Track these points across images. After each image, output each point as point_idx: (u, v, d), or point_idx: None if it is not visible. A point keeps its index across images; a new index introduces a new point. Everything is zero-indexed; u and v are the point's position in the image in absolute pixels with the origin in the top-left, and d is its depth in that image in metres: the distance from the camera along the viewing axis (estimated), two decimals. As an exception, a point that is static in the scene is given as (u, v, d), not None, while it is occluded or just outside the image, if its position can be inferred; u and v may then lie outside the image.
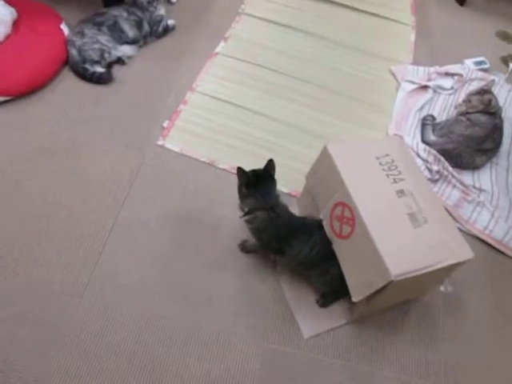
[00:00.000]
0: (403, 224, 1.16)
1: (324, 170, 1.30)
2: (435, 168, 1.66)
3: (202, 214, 1.51)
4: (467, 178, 1.70)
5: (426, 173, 1.66)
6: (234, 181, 1.58)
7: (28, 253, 1.36)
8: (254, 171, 1.27)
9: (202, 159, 1.65)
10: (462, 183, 1.66)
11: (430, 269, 1.12)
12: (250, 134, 1.76)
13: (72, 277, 1.33)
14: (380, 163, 1.26)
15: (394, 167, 1.25)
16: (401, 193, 1.21)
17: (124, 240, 1.42)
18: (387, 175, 1.23)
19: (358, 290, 1.20)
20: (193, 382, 1.21)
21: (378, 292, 1.14)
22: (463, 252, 1.17)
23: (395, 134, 1.79)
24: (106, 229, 1.44)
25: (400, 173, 1.24)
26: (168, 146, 1.67)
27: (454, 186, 1.66)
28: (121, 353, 1.22)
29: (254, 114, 1.82)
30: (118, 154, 1.62)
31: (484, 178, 1.72)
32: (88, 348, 1.22)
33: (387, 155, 1.27)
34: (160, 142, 1.68)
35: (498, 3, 2.60)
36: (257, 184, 1.25)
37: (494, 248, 1.57)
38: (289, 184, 1.60)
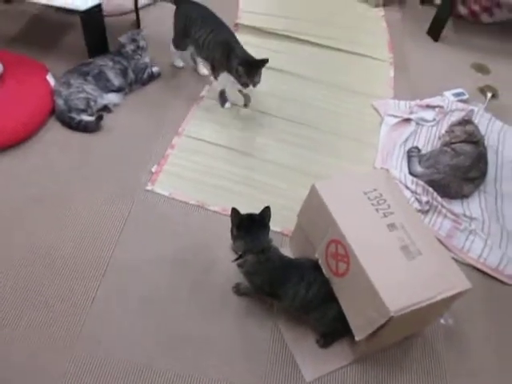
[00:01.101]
0: (397, 258, 1.16)
1: (314, 208, 1.30)
2: (424, 199, 1.68)
3: (194, 256, 1.50)
4: (457, 207, 1.72)
5: (416, 204, 1.68)
6: (225, 222, 1.58)
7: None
8: (248, 215, 1.27)
9: (192, 202, 1.65)
10: (452, 213, 1.68)
11: (429, 301, 1.11)
12: (239, 174, 1.77)
13: (63, 327, 1.29)
14: (368, 198, 1.27)
15: (382, 201, 1.27)
16: (392, 226, 1.22)
17: (116, 286, 1.40)
18: (377, 210, 1.24)
19: (359, 329, 1.18)
20: None
21: (380, 329, 1.12)
22: (461, 282, 1.17)
23: (382, 168, 1.81)
24: (98, 275, 1.42)
25: (389, 206, 1.26)
26: (157, 190, 1.68)
27: (445, 216, 1.67)
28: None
29: (241, 154, 1.84)
30: (106, 200, 1.62)
31: (473, 207, 1.74)
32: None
33: (375, 190, 1.29)
34: (149, 187, 1.68)
35: (469, 37, 2.71)
36: (248, 227, 1.24)
37: (489, 276, 1.56)
38: (279, 223, 1.60)
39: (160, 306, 1.37)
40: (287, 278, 1.25)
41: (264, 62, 1.75)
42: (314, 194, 1.29)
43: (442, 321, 1.41)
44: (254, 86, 1.77)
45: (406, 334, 1.37)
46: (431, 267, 1.16)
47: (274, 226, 1.56)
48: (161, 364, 1.26)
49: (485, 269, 1.57)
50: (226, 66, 1.82)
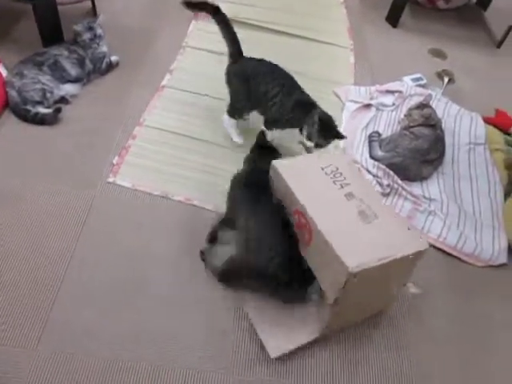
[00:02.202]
0: (355, 222, 1.22)
1: (277, 184, 1.35)
2: (385, 182, 1.73)
3: (159, 248, 1.49)
4: (417, 189, 1.78)
5: (377, 187, 1.73)
6: (189, 212, 1.60)
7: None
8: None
9: (156, 193, 1.64)
10: (412, 194, 1.73)
11: (388, 259, 1.15)
12: (202, 162, 1.78)
13: (24, 328, 1.26)
14: (325, 172, 1.34)
15: (338, 174, 1.34)
16: (349, 195, 1.29)
17: (79, 282, 1.38)
18: (334, 182, 1.32)
19: (329, 292, 1.22)
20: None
21: (345, 294, 1.17)
22: (419, 243, 1.21)
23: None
24: (60, 271, 1.39)
25: (345, 178, 1.33)
26: (119, 182, 1.66)
27: (406, 198, 1.73)
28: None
29: (203, 142, 1.85)
30: (67, 194, 1.59)
31: (432, 188, 1.80)
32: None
33: (331, 165, 1.36)
34: (111, 179, 1.66)
35: (426, 23, 2.79)
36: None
37: (449, 254, 1.63)
38: None
39: (125, 300, 1.36)
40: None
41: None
42: (274, 172, 1.35)
43: (411, 289, 1.46)
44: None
45: (371, 309, 1.40)
46: (389, 228, 1.23)
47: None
48: (127, 357, 1.25)
49: (444, 247, 1.64)
50: (297, 125, 1.67)
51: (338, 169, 1.35)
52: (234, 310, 1.38)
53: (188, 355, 1.28)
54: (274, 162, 1.35)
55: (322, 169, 1.35)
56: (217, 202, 1.62)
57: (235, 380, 1.25)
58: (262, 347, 1.31)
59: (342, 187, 1.30)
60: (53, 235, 1.48)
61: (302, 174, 1.34)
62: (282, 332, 1.33)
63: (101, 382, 1.20)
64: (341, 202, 1.26)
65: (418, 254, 1.21)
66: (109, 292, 1.37)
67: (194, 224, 1.57)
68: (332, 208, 1.25)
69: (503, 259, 1.64)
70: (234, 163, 1.77)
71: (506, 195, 1.83)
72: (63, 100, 1.89)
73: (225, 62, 1.79)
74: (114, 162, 1.71)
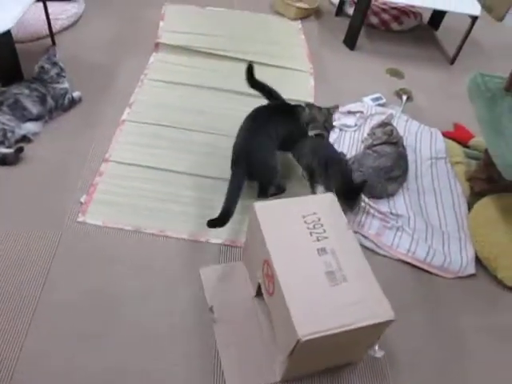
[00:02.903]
0: (320, 283, 1.18)
1: (253, 227, 1.35)
2: (353, 202, 1.78)
3: (131, 283, 1.49)
4: (383, 206, 1.84)
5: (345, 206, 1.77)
6: (162, 244, 1.61)
7: None
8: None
9: (127, 228, 1.66)
10: (379, 212, 1.79)
11: (342, 329, 1.12)
12: (172, 193, 1.80)
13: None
14: (305, 221, 1.31)
15: (319, 225, 1.30)
16: (322, 251, 1.25)
17: (48, 324, 1.36)
18: (311, 233, 1.28)
19: (282, 348, 1.21)
20: None
21: (298, 352, 1.14)
22: (383, 312, 1.17)
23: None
24: (27, 316, 1.37)
25: (324, 231, 1.29)
26: (89, 221, 1.66)
27: (373, 216, 1.78)
28: None
29: (170, 172, 1.87)
30: (31, 236, 1.57)
31: (399, 204, 1.87)
32: None
33: (314, 213, 1.33)
34: (80, 219, 1.65)
35: (382, 44, 2.93)
36: None
37: (418, 268, 1.68)
38: (221, 235, 1.66)
39: (97, 338, 1.35)
40: None
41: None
42: (252, 213, 1.34)
43: (371, 352, 1.38)
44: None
45: (334, 361, 1.37)
46: (353, 295, 1.18)
47: (216, 238, 1.66)
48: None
49: (414, 262, 1.69)
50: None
51: (319, 219, 1.32)
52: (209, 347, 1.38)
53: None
54: (255, 204, 1.34)
55: (303, 217, 1.32)
56: (191, 229, 1.65)
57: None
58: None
59: (317, 240, 1.27)
60: (17, 279, 1.45)
61: (279, 220, 1.31)
62: (246, 370, 1.32)
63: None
64: (311, 258, 1.23)
65: (380, 326, 1.18)
66: (79, 331, 1.35)
67: (167, 255, 1.58)
68: (300, 264, 1.22)
69: (471, 270, 1.71)
70: (206, 191, 1.81)
71: (469, 206, 1.91)
72: (25, 139, 1.88)
73: (183, 90, 1.83)
74: (82, 200, 1.71)
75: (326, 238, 1.28)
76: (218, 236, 1.65)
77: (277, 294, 1.20)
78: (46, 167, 1.80)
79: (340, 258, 1.24)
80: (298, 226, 1.30)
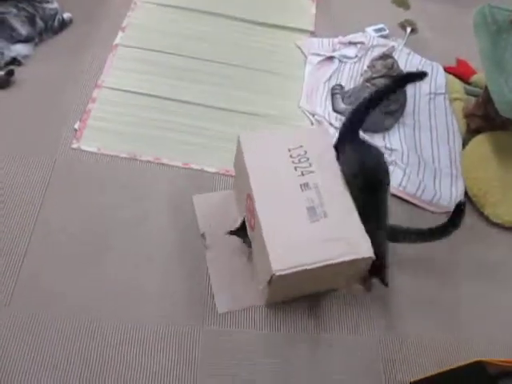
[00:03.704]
0: (300, 218, 1.19)
1: (238, 160, 1.36)
2: (348, 135, 1.80)
3: (126, 209, 1.55)
4: (379, 140, 1.87)
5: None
6: (158, 171, 1.64)
7: None
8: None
9: (123, 155, 1.68)
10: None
11: (317, 265, 1.15)
12: (167, 120, 1.82)
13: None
14: (291, 155, 1.29)
15: (304, 159, 1.28)
16: (305, 186, 1.24)
17: (45, 247, 1.43)
18: (295, 168, 1.27)
19: (260, 280, 1.27)
20: (135, 378, 1.25)
21: (274, 284, 1.19)
22: (362, 249, 1.18)
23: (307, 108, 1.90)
24: (24, 239, 1.43)
25: (310, 165, 1.28)
26: (84, 147, 1.69)
27: (368, 150, 1.80)
28: (56, 360, 1.24)
29: (165, 100, 1.88)
30: (24, 163, 1.60)
31: (394, 139, 1.90)
32: (21, 358, 1.22)
33: (301, 147, 1.31)
34: (75, 145, 1.68)
35: (390, -29, 2.78)
36: None
37: (408, 202, 1.73)
38: (215, 163, 1.71)
39: (93, 261, 1.43)
40: None
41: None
42: (238, 146, 1.35)
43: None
44: None
45: (314, 289, 1.41)
46: (332, 231, 1.19)
47: (210, 167, 1.70)
48: (97, 316, 1.33)
49: (404, 196, 1.75)
50: None
51: (306, 152, 1.29)
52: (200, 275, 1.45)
53: (157, 312, 1.36)
54: (241, 135, 1.33)
55: (289, 150, 1.29)
56: (186, 158, 1.69)
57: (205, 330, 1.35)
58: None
59: (302, 175, 1.25)
60: (14, 202, 1.50)
61: (264, 152, 1.30)
62: (234, 291, 1.39)
63: (71, 340, 1.28)
64: (293, 193, 1.22)
65: (357, 262, 1.18)
66: (75, 255, 1.43)
67: (161, 182, 1.63)
68: (282, 199, 1.22)
69: (460, 205, 1.76)
70: (204, 120, 1.83)
71: (464, 143, 1.93)
72: (15, 61, 1.86)
73: (180, 14, 1.77)
74: (76, 127, 1.71)
75: (310, 172, 1.26)
76: (213, 165, 1.70)
77: (257, 228, 1.23)
78: (37, 91, 1.80)
79: (323, 193, 1.23)
80: (283, 158, 1.28)
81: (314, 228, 1.19)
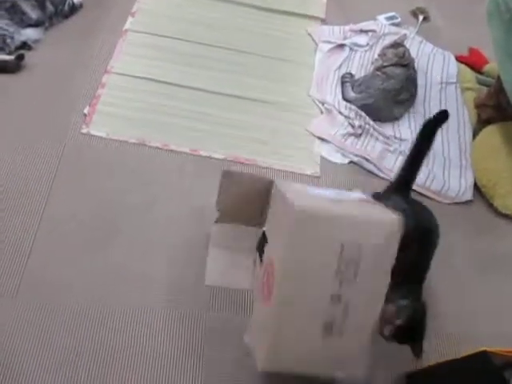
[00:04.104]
0: (314, 328, 1.05)
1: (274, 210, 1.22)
2: (357, 123, 1.82)
3: (134, 195, 1.56)
4: (388, 129, 1.86)
5: (349, 128, 1.80)
6: (166, 158, 1.64)
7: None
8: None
9: (132, 140, 1.69)
10: (383, 135, 1.82)
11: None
12: (176, 107, 1.82)
13: (2, 278, 1.32)
14: (341, 255, 1.00)
15: (353, 265, 1.02)
16: (336, 298, 1.04)
17: (53, 235, 1.43)
18: (337, 273, 1.02)
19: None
20: (144, 363, 1.25)
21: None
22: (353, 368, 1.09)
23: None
24: (33, 227, 1.43)
25: (355, 276, 1.02)
26: (93, 132, 1.69)
27: (377, 139, 1.81)
28: (66, 348, 1.24)
29: (174, 86, 1.88)
30: (33, 148, 1.60)
31: (403, 128, 1.89)
32: (28, 350, 1.22)
33: (358, 246, 1.01)
34: (84, 130, 1.69)
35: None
36: None
37: (417, 192, 1.73)
38: (224, 150, 1.71)
39: (102, 248, 1.42)
40: None
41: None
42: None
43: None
44: None
45: None
46: (338, 351, 1.08)
47: (218, 153, 1.70)
48: (107, 302, 1.33)
49: (413, 186, 1.72)
50: None
51: (360, 257, 1.01)
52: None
53: (165, 296, 1.37)
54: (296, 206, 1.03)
55: (342, 245, 1.00)
56: (194, 144, 1.69)
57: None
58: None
59: (339, 285, 1.02)
60: (23, 188, 1.50)
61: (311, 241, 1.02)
62: (227, 267, 1.40)
63: (80, 326, 1.28)
64: (319, 301, 1.04)
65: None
66: (83, 243, 1.43)
67: (170, 168, 1.64)
68: (305, 300, 1.04)
69: (468, 196, 1.76)
70: (213, 106, 1.83)
71: (475, 134, 1.91)
72: (25, 46, 1.86)
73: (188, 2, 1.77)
74: (86, 112, 1.72)
75: (350, 283, 1.02)
76: (221, 151, 1.70)
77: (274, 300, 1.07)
78: (47, 76, 1.81)
79: (351, 310, 1.05)
80: (328, 257, 1.01)
81: (324, 343, 1.08)
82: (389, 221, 1.04)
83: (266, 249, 1.21)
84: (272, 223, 1.23)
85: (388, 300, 1.10)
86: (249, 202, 1.36)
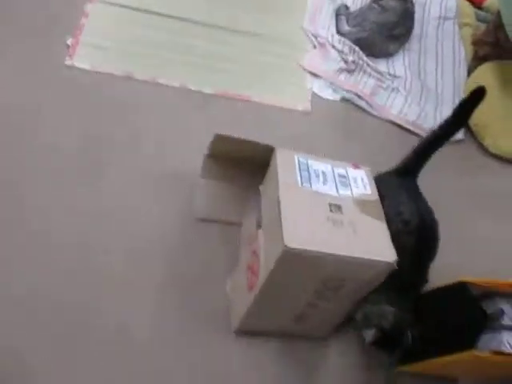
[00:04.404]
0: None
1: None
2: (350, 58, 1.78)
3: (120, 128, 1.52)
4: (382, 65, 1.83)
5: (342, 64, 1.76)
6: (153, 92, 1.60)
7: None
8: None
9: (118, 73, 1.64)
10: (376, 71, 1.79)
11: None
12: (164, 39, 1.75)
13: None
14: (323, 284, 1.03)
15: (334, 290, 1.05)
16: (312, 305, 1.10)
17: (37, 170, 1.39)
18: (315, 292, 1.06)
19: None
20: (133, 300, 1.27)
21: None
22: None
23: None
24: (17, 160, 1.40)
25: (335, 295, 1.06)
26: (77, 64, 1.63)
27: (370, 75, 1.78)
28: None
29: (163, 17, 1.80)
30: (16, 82, 1.54)
31: (397, 65, 1.86)
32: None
33: (342, 279, 1.03)
34: (68, 62, 1.63)
35: None
36: None
37: (408, 130, 1.72)
38: (213, 84, 1.67)
39: (87, 182, 1.39)
40: None
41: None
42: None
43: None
44: None
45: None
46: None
47: (207, 88, 1.65)
48: (95, 239, 1.32)
49: (404, 123, 1.74)
50: None
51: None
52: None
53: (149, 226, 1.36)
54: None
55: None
56: (183, 79, 1.65)
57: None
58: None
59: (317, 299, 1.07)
60: (5, 121, 1.45)
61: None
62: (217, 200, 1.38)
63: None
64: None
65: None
66: (66, 176, 1.39)
67: (158, 102, 1.60)
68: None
69: (460, 135, 1.75)
70: (202, 39, 1.76)
71: (469, 71, 1.88)
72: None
73: None
74: (69, 43, 1.65)
75: (327, 299, 1.08)
76: (210, 86, 1.66)
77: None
78: (27, 5, 1.71)
79: (324, 312, 1.13)
80: (310, 283, 1.04)
81: (295, 325, 1.16)
82: (381, 263, 0.99)
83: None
84: (266, 203, 1.14)
85: (375, 303, 1.09)
86: (240, 166, 1.32)
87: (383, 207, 1.08)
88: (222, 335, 1.22)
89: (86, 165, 1.44)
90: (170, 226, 1.38)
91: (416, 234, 1.10)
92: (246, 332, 1.24)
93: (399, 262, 1.00)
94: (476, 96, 1.15)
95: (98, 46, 1.67)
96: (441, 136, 1.21)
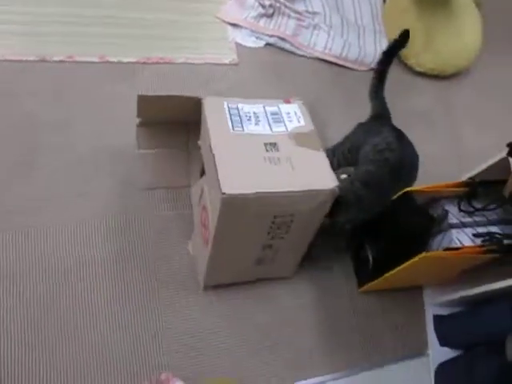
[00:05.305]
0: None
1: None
2: (267, 3, 1.76)
3: (48, 113, 1.45)
4: (299, 5, 1.83)
5: (260, 9, 1.74)
6: (75, 70, 1.52)
7: None
8: None
9: (31, 58, 1.56)
10: (295, 11, 1.78)
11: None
12: (74, 14, 1.67)
13: None
14: (273, 222, 1.03)
15: (285, 226, 1.06)
16: (268, 246, 1.11)
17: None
18: (268, 233, 1.06)
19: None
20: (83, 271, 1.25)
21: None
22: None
23: None
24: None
25: (287, 232, 1.07)
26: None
27: (289, 16, 1.77)
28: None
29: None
30: None
31: (315, 1, 1.87)
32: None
33: (291, 214, 1.03)
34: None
35: None
36: None
37: (336, 64, 1.72)
38: (134, 53, 1.61)
39: (26, 168, 1.34)
40: None
41: None
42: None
43: None
44: None
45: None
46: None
47: (128, 57, 1.60)
48: (43, 219, 1.28)
49: (331, 58, 1.76)
50: None
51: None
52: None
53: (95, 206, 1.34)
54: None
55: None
56: (100, 52, 1.58)
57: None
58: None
59: (271, 239, 1.09)
60: None
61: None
62: (161, 167, 1.35)
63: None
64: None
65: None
66: (7, 165, 1.34)
67: (79, 80, 1.53)
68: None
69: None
70: (116, 8, 1.67)
71: (385, -2, 1.90)
72: None
73: None
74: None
75: (280, 237, 1.10)
76: (131, 55, 1.60)
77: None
78: None
79: (279, 252, 1.15)
80: (260, 224, 1.04)
81: (255, 269, 1.19)
82: (323, 191, 1.00)
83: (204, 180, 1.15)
84: (205, 156, 1.10)
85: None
86: (175, 129, 1.30)
87: (371, 143, 1.23)
88: (191, 294, 1.24)
89: (24, 152, 1.35)
90: (118, 201, 1.35)
91: (397, 152, 1.21)
92: (215, 286, 1.26)
93: (381, 172, 1.17)
94: (403, 38, 1.43)
95: (5, 33, 1.55)
96: (382, 71, 1.43)
